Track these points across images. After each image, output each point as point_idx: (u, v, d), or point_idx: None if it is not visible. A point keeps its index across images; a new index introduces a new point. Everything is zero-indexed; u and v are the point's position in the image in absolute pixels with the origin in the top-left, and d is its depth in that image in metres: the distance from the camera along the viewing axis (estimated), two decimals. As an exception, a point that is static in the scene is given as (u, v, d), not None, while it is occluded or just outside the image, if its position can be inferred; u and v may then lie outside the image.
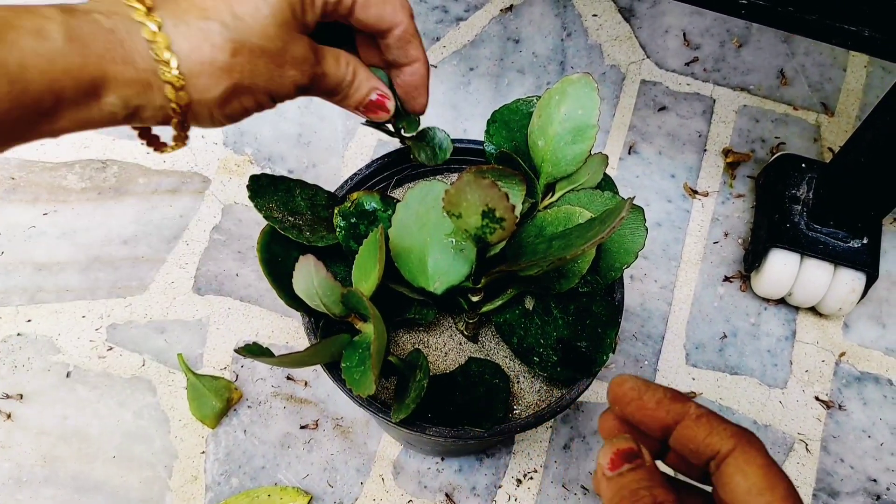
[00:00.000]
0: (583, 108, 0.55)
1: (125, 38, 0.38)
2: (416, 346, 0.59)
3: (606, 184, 0.59)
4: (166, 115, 0.41)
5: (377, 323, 0.45)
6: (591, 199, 0.56)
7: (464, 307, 0.56)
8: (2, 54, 0.34)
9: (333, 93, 0.49)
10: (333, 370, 0.55)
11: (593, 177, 0.57)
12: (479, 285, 0.53)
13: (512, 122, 0.60)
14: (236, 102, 0.43)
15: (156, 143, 0.46)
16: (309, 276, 0.47)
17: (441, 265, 0.52)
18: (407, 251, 0.52)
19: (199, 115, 0.43)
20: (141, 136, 0.47)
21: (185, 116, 0.42)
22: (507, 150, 0.57)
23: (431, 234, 0.52)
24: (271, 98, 0.45)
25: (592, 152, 0.56)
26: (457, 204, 0.43)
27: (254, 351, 0.47)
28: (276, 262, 0.54)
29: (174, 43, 0.39)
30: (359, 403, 0.54)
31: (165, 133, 0.45)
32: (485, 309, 0.56)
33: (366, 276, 0.50)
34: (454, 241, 0.51)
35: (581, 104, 0.55)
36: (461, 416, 0.54)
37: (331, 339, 0.47)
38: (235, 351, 0.45)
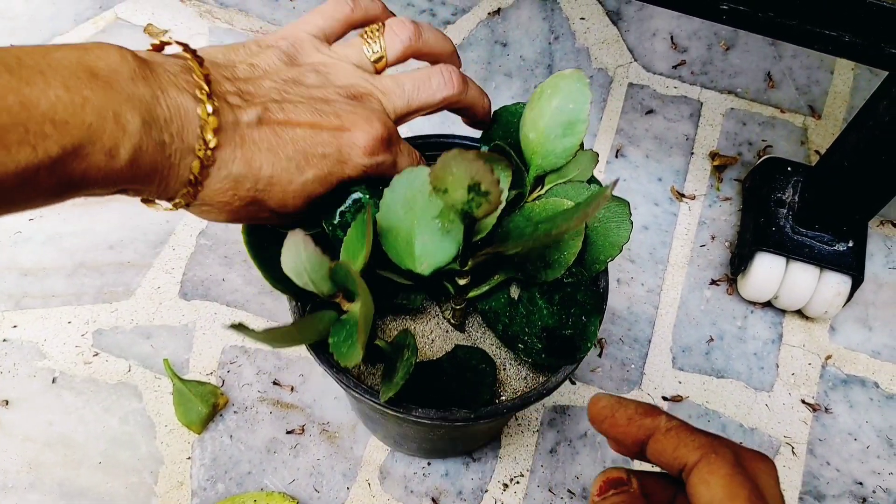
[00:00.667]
0: (574, 103, 0.55)
1: (174, 163, 0.42)
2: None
3: (595, 182, 0.59)
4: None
5: (364, 294, 0.45)
6: (579, 192, 0.56)
7: (450, 292, 0.56)
8: (72, 165, 0.37)
9: None
10: (320, 353, 0.55)
11: (583, 172, 0.57)
12: (466, 268, 0.53)
13: (511, 123, 0.61)
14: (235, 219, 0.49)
15: (148, 202, 0.49)
16: (297, 251, 0.47)
17: (428, 246, 0.52)
18: (394, 233, 0.52)
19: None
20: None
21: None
22: (501, 143, 0.58)
23: (418, 217, 0.52)
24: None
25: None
26: (442, 178, 0.43)
27: (242, 328, 0.47)
28: (262, 245, 0.54)
29: (206, 182, 0.43)
30: (344, 386, 0.54)
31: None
32: (471, 294, 0.56)
33: (354, 257, 0.50)
34: (441, 223, 0.52)
35: (572, 98, 0.55)
36: (448, 401, 0.54)
37: (317, 314, 0.47)
38: (230, 326, 0.44)
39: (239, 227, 0.83)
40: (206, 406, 0.75)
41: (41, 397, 0.76)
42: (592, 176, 0.58)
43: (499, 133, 0.60)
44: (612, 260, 0.56)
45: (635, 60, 0.96)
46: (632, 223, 0.56)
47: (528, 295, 0.56)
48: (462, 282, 0.54)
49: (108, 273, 0.82)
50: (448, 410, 0.53)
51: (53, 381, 0.77)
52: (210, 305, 0.81)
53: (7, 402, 0.75)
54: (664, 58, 0.96)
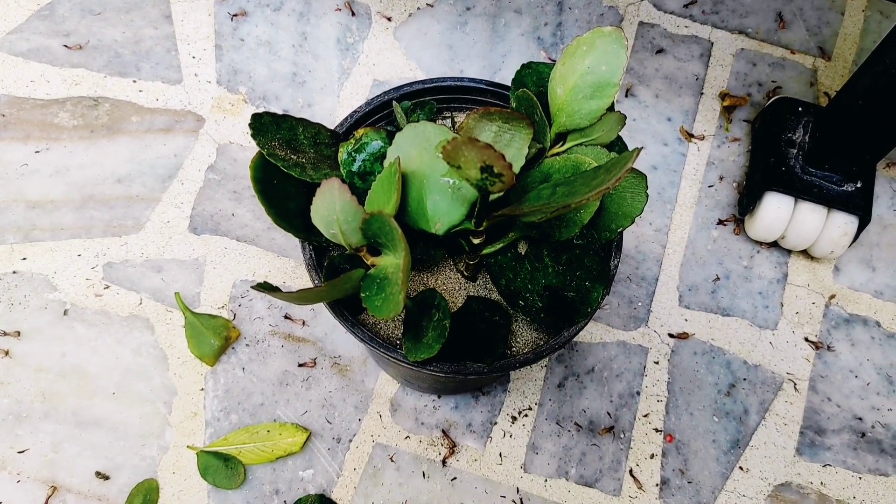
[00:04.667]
0: (607, 65, 0.54)
1: None
2: (417, 286, 0.59)
3: (619, 146, 0.58)
4: None
5: (404, 245, 0.45)
6: (599, 156, 0.56)
7: (465, 248, 0.57)
8: None
9: None
10: (335, 307, 0.55)
11: (607, 134, 0.56)
12: (481, 228, 0.53)
13: (545, 74, 0.60)
14: None
15: None
16: (332, 200, 0.47)
17: (440, 206, 0.52)
18: (405, 193, 0.52)
19: None
20: None
21: None
22: (530, 92, 0.57)
23: (427, 175, 0.52)
24: None
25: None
26: (455, 158, 0.43)
27: (269, 287, 0.47)
28: (270, 183, 0.53)
29: None
30: (360, 339, 0.55)
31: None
32: (486, 251, 0.56)
33: (382, 208, 0.50)
34: (451, 181, 0.51)
35: (606, 60, 0.54)
36: (463, 353, 0.54)
37: (347, 274, 0.48)
38: (252, 287, 0.45)
39: (247, 161, 0.83)
40: (218, 339, 0.75)
41: (53, 329, 0.76)
42: (618, 137, 0.58)
43: (532, 79, 0.59)
44: (622, 230, 0.56)
45: (646, -2, 0.95)
46: (647, 196, 0.55)
47: (536, 251, 0.56)
48: (477, 241, 0.54)
49: (117, 206, 0.81)
50: (461, 364, 0.54)
51: (65, 312, 0.77)
52: (220, 240, 0.81)
53: (19, 334, 0.76)
54: (675, -4, 0.95)
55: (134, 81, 0.87)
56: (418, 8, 0.92)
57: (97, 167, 0.83)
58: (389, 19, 0.91)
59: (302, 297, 0.45)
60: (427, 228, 0.52)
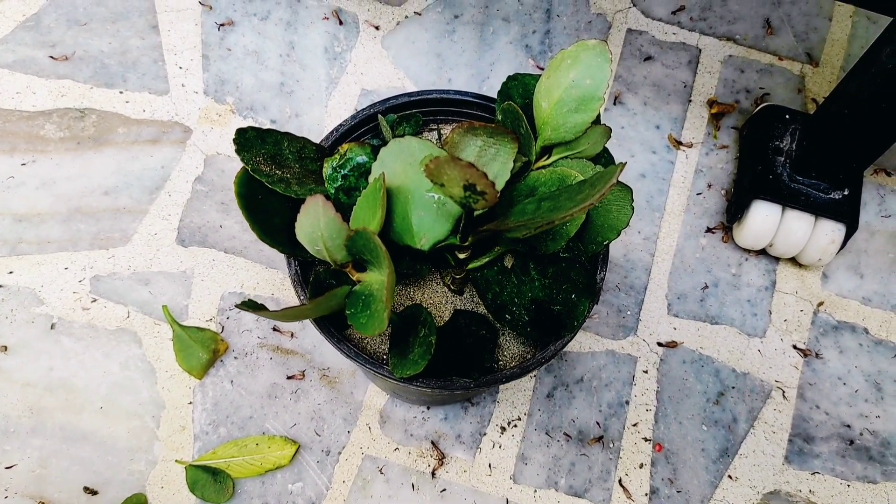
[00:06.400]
0: (592, 78, 0.54)
1: None
2: (404, 300, 0.59)
3: (605, 158, 0.58)
4: None
5: (388, 262, 0.45)
6: (584, 169, 0.56)
7: (451, 263, 0.56)
8: None
9: None
10: (321, 323, 0.55)
11: (592, 147, 0.56)
12: (467, 243, 0.53)
13: (531, 85, 0.60)
14: None
15: None
16: (316, 217, 0.46)
17: (425, 222, 0.52)
18: (390, 208, 0.52)
19: None
20: None
21: None
22: (516, 105, 0.57)
23: (412, 190, 0.52)
24: None
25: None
26: (438, 177, 0.43)
27: (254, 306, 0.47)
28: (256, 198, 0.53)
29: None
30: (346, 355, 0.54)
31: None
32: (472, 266, 0.56)
33: (367, 224, 0.50)
34: (436, 196, 0.51)
35: (591, 73, 0.54)
36: (449, 367, 0.54)
37: (332, 292, 0.47)
38: (236, 306, 0.44)
39: (235, 173, 0.83)
40: (206, 352, 0.75)
41: (40, 343, 0.76)
42: (605, 149, 0.58)
43: (518, 91, 0.59)
44: (608, 243, 0.56)
45: (634, 5, 0.95)
46: (633, 209, 0.55)
47: (522, 265, 0.56)
48: (462, 255, 0.54)
49: (104, 219, 0.81)
50: (448, 380, 0.54)
51: (52, 326, 0.76)
52: (208, 252, 0.80)
53: (6, 348, 0.75)
54: (663, 3, 0.95)
55: (121, 92, 0.86)
56: (406, 16, 0.92)
57: (84, 179, 0.82)
58: (377, 28, 0.91)
59: (287, 315, 0.45)
60: (412, 244, 0.52)
